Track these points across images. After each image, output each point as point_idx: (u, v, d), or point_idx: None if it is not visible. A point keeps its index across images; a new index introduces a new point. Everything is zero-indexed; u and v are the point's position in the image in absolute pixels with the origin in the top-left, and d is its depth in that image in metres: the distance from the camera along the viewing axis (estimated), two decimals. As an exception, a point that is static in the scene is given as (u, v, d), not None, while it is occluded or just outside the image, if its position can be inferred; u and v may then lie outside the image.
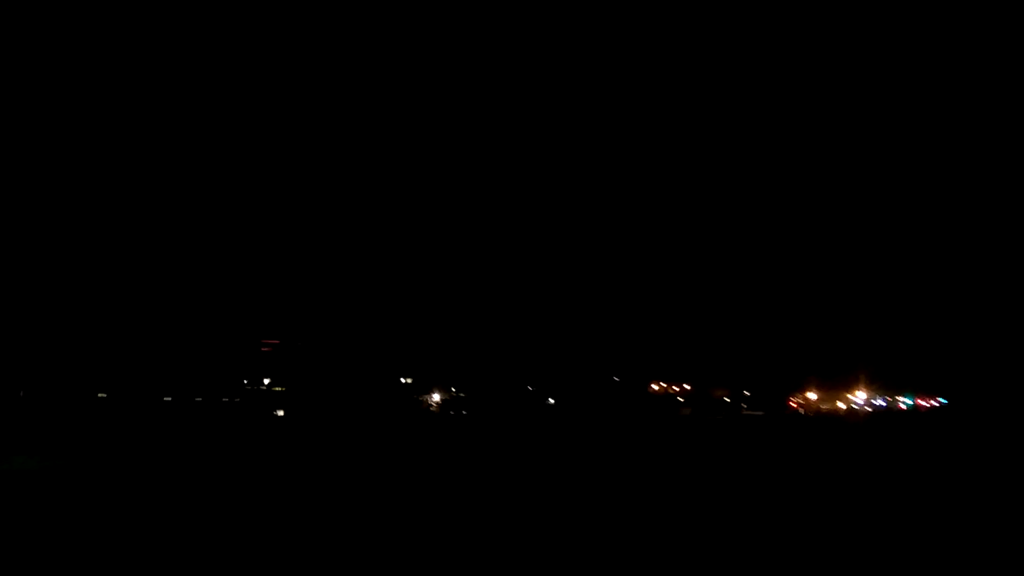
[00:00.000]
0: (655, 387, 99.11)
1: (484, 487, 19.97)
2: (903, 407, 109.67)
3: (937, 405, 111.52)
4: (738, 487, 21.07)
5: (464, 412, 62.37)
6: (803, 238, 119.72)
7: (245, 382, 64.89)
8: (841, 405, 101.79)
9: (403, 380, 65.84)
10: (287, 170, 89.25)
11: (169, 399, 59.01)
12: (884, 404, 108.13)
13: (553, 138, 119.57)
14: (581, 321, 77.07)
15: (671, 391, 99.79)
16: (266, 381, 64.85)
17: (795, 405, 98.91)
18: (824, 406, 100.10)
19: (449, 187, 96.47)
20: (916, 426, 75.19)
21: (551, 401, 73.53)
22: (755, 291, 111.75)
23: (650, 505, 17.72)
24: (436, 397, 65.32)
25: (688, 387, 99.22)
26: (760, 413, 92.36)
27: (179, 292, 63.26)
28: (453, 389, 67.63)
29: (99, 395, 59.72)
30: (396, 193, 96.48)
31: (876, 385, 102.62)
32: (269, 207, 75.86)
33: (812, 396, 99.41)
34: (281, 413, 55.94)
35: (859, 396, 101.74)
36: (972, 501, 19.40)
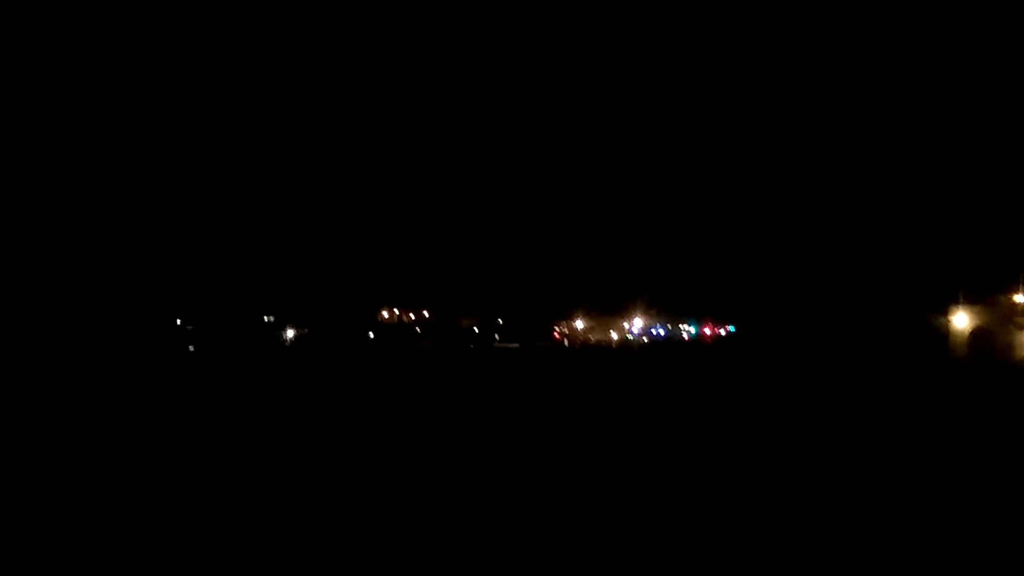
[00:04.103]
0: (385, 315, 79.93)
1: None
2: (686, 336, 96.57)
3: (725, 334, 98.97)
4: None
5: (307, 342, 77.91)
6: (576, 158, 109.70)
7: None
8: (613, 335, 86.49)
9: (266, 319, 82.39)
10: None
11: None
12: (664, 333, 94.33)
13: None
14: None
15: (406, 319, 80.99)
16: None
17: (558, 336, 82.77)
18: (593, 336, 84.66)
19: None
20: (688, 356, 64.35)
21: (372, 335, 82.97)
22: (515, 202, 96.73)
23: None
24: (290, 333, 79.98)
25: (427, 315, 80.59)
26: (515, 345, 76.64)
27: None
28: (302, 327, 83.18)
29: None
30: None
31: (655, 311, 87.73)
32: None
33: (579, 325, 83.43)
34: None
35: (635, 324, 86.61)
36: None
